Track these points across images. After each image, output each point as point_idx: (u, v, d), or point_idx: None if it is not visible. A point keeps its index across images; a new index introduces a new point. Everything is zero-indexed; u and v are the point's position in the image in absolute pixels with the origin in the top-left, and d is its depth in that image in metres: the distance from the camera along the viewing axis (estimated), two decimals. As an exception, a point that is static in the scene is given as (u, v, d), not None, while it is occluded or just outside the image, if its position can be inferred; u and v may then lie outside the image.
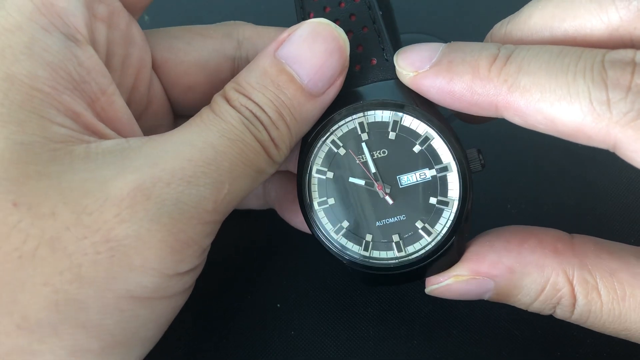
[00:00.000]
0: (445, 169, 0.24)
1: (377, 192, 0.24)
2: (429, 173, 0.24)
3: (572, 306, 0.23)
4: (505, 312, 0.29)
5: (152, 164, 0.20)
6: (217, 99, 0.23)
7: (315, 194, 0.25)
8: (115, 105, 0.23)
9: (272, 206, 0.31)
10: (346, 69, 0.24)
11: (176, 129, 0.23)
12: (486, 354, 0.28)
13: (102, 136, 0.22)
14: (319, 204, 0.24)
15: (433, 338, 0.29)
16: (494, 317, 0.29)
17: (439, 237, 0.24)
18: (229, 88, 0.23)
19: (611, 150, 0.20)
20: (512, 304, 0.24)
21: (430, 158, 0.24)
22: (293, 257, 0.31)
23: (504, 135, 0.33)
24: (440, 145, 0.24)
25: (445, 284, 0.24)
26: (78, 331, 0.19)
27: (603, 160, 0.32)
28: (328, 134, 0.24)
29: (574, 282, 0.22)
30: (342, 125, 0.24)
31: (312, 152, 0.25)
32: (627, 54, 0.20)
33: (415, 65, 0.23)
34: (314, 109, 0.24)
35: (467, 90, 0.22)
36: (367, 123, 0.24)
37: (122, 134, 0.23)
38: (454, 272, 0.24)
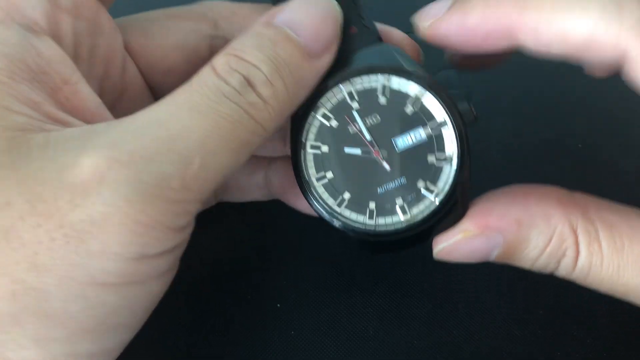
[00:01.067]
0: (440, 125, 0.24)
1: (374, 159, 0.24)
2: (424, 132, 0.24)
3: (576, 259, 0.23)
4: (505, 312, 0.29)
5: (110, 145, 0.20)
6: (203, 70, 0.22)
7: (312, 170, 0.24)
8: (81, 95, 0.22)
9: (276, 195, 0.31)
10: (339, 37, 0.24)
11: (147, 107, 0.22)
12: (486, 354, 0.28)
13: (66, 125, 0.21)
14: (317, 179, 0.24)
15: (433, 338, 0.29)
16: (494, 317, 0.29)
17: (442, 194, 0.24)
18: (219, 55, 0.22)
19: (619, 64, 0.21)
20: (517, 263, 0.24)
21: (423, 117, 0.24)
22: (293, 257, 0.31)
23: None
24: (431, 103, 0.24)
25: (454, 241, 0.24)
26: (40, 320, 0.19)
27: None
28: (318, 107, 0.24)
29: (578, 232, 0.22)
30: (330, 97, 0.24)
31: (304, 128, 0.24)
32: None
33: (432, 14, 0.24)
34: (310, 72, 0.23)
35: (481, 20, 0.23)
36: (356, 91, 0.24)
37: (91, 122, 0.22)
38: (462, 227, 0.24)
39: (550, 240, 0.23)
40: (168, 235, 0.21)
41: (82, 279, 0.19)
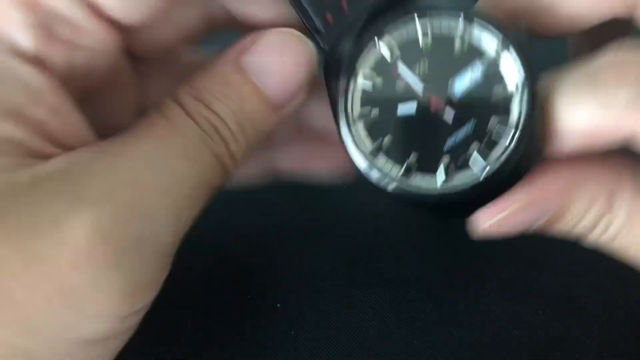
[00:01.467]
0: (495, 58, 0.21)
1: (433, 115, 0.21)
2: (480, 68, 0.21)
3: (610, 221, 0.23)
4: (505, 312, 0.29)
5: (108, 196, 0.19)
6: (172, 107, 0.21)
7: (368, 141, 0.21)
8: (71, 125, 0.21)
9: (281, 170, 0.28)
10: (310, 83, 0.23)
11: (127, 135, 0.20)
12: (486, 354, 0.28)
13: (47, 155, 0.20)
14: (372, 152, 0.21)
15: (433, 338, 0.29)
16: (494, 317, 0.29)
17: (517, 127, 0.20)
18: (184, 94, 0.21)
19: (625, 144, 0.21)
20: (558, 229, 0.24)
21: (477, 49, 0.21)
22: (293, 258, 0.31)
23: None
24: (482, 34, 0.21)
25: (509, 212, 0.22)
26: None
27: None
28: (357, 71, 0.22)
29: (617, 194, 0.22)
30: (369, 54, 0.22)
31: (348, 99, 0.21)
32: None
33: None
34: (273, 122, 0.23)
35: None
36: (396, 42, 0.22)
37: (71, 145, 0.21)
38: (515, 197, 0.22)
39: (595, 202, 0.22)
40: (155, 290, 0.21)
41: (72, 339, 0.19)
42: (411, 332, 0.29)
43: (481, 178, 0.21)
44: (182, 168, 0.20)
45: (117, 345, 0.21)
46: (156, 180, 0.19)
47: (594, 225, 0.23)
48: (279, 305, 0.30)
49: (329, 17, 0.22)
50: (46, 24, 0.21)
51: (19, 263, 0.18)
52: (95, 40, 0.22)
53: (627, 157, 0.24)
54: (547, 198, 0.23)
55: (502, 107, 0.21)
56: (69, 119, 0.21)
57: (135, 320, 0.21)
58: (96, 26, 0.21)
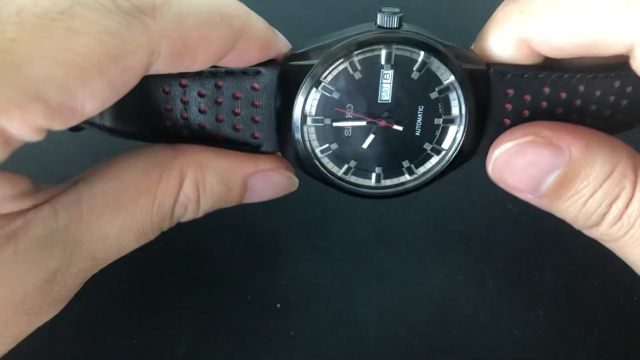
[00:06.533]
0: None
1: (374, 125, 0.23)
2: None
3: (627, 203, 0.21)
4: (505, 313, 0.29)
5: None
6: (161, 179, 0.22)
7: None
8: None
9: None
10: None
11: (97, 215, 0.21)
12: (487, 354, 0.28)
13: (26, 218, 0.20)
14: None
15: (434, 338, 0.29)
16: (495, 317, 0.29)
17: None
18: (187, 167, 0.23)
19: (627, 55, 0.20)
20: (568, 204, 0.22)
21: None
22: (293, 258, 0.31)
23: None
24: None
25: (522, 142, 0.22)
26: None
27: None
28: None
29: (638, 172, 0.21)
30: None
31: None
32: None
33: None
34: None
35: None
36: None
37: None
38: (533, 129, 0.22)
39: (611, 172, 0.21)
40: None
41: None
42: (411, 332, 0.29)
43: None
44: (130, 245, 0.22)
45: None
46: (105, 252, 0.21)
47: (609, 203, 0.22)
48: (279, 305, 0.30)
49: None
50: None
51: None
52: None
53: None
54: (567, 141, 0.22)
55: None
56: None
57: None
58: None
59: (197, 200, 0.23)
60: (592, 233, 0.23)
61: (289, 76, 0.22)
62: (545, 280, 0.30)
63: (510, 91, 0.23)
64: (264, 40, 0.22)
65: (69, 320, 0.22)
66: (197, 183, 0.23)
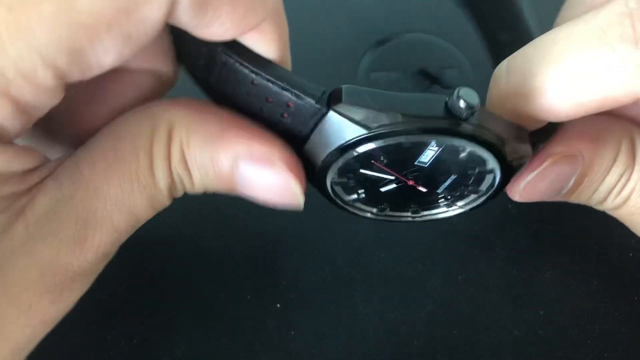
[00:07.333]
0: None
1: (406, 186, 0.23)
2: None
3: (629, 175, 0.23)
4: (505, 312, 0.29)
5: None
6: (157, 159, 0.21)
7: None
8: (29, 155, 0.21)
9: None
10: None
11: (100, 177, 0.20)
12: (487, 354, 0.28)
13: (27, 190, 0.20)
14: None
15: (434, 338, 0.29)
16: (495, 317, 0.29)
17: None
18: (180, 151, 0.21)
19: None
20: (583, 190, 0.24)
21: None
22: (293, 258, 0.31)
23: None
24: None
25: (543, 168, 0.23)
26: None
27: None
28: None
29: (637, 149, 0.23)
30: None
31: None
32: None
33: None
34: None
35: None
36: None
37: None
38: (549, 151, 0.23)
39: (616, 157, 0.23)
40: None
41: None
42: (411, 332, 0.29)
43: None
44: (144, 215, 0.21)
45: None
46: (122, 223, 0.21)
47: (618, 180, 0.23)
48: (279, 305, 0.30)
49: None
50: None
51: (16, 312, 0.19)
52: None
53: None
54: (579, 148, 0.22)
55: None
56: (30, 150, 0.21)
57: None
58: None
59: (184, 164, 0.21)
60: (599, 207, 0.25)
61: (332, 125, 0.20)
62: (545, 280, 0.30)
63: None
64: (283, 35, 0.21)
65: (68, 320, 0.22)
66: (182, 143, 0.21)
